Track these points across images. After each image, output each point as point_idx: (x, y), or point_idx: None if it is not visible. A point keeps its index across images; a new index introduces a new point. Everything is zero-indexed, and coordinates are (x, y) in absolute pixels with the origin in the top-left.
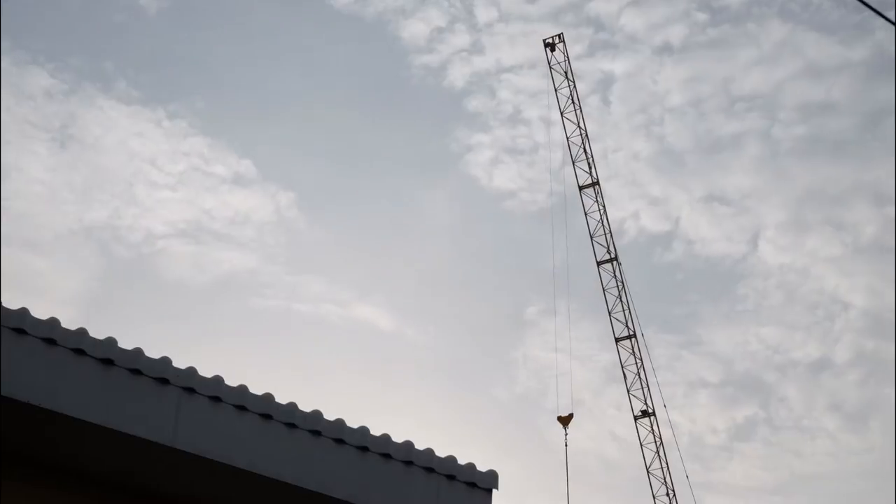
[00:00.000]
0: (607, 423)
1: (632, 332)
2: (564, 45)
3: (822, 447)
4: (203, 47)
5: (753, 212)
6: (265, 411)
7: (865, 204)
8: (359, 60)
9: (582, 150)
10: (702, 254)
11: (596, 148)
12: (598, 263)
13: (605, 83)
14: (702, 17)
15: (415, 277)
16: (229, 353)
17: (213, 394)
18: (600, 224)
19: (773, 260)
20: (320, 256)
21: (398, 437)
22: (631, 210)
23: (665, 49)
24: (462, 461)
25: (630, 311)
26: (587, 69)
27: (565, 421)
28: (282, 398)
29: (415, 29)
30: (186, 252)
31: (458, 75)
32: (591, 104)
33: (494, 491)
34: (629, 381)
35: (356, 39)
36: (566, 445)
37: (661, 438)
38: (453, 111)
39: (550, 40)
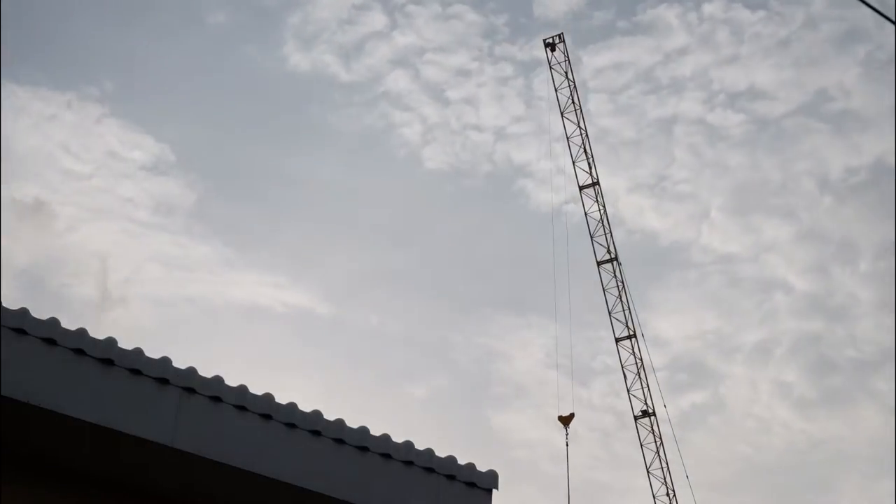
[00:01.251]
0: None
1: (632, 333)
2: (564, 45)
3: (771, 434)
4: (112, 31)
5: (696, 198)
6: (265, 411)
7: (806, 189)
8: None
9: (582, 150)
10: (642, 240)
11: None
12: (598, 263)
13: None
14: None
15: (350, 267)
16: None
17: (213, 394)
18: (600, 224)
19: (716, 246)
20: (253, 242)
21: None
22: (572, 193)
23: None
24: (462, 461)
25: (630, 311)
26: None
27: (566, 420)
28: (280, 399)
29: None
30: (111, 239)
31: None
32: (516, 86)
33: (494, 491)
34: (629, 381)
35: None
36: (567, 445)
37: (660, 438)
38: (378, 92)
39: (550, 40)
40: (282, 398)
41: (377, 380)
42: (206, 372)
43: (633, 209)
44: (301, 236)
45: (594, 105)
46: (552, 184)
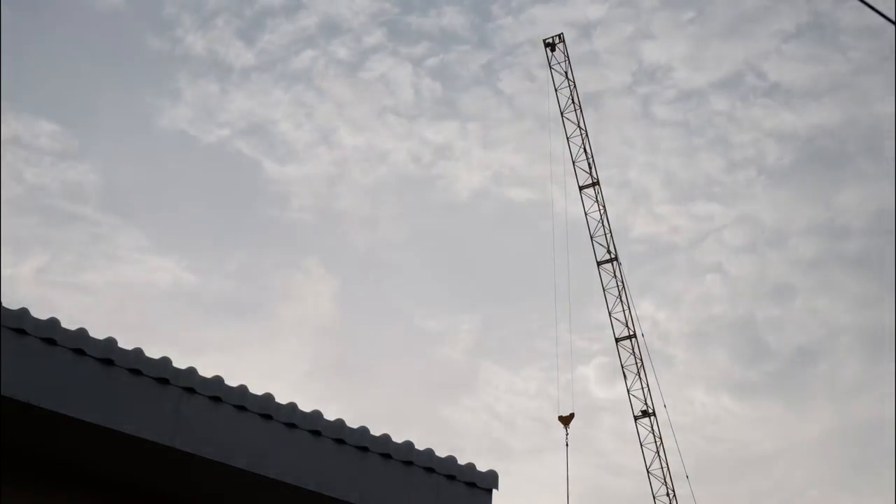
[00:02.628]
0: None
1: (632, 332)
2: (564, 45)
3: (715, 422)
4: None
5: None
6: (265, 411)
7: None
8: None
9: (582, 150)
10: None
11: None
12: (598, 263)
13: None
14: None
15: None
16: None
17: (213, 394)
18: (600, 224)
19: (649, 230)
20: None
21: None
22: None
23: None
24: (462, 461)
25: (630, 311)
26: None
27: (566, 420)
28: (281, 399)
29: None
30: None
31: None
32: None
33: (494, 491)
34: (629, 381)
35: None
36: (567, 445)
37: (660, 438)
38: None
39: (550, 40)
40: (282, 398)
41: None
42: (206, 372)
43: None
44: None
45: (507, 85)
46: (552, 185)
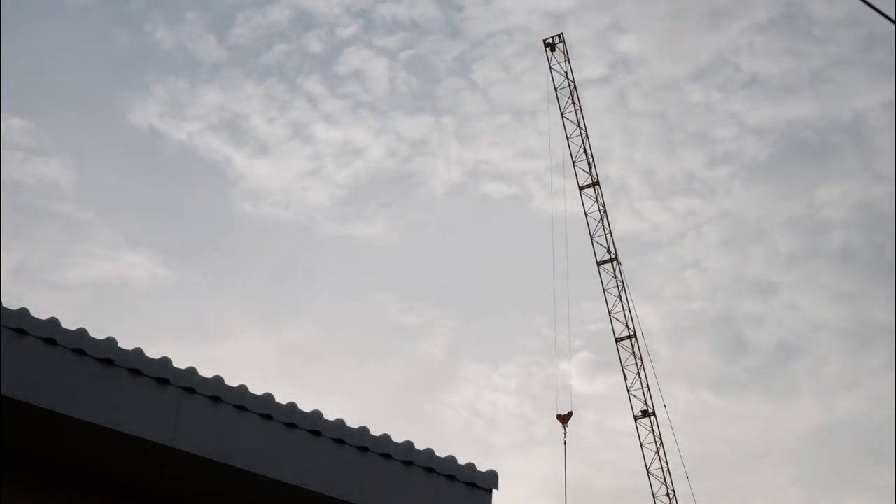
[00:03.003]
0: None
1: (632, 332)
2: (564, 45)
3: (699, 419)
4: None
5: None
6: (265, 411)
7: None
8: None
9: (582, 150)
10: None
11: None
12: (598, 263)
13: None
14: None
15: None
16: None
17: (213, 394)
18: (600, 224)
19: (630, 226)
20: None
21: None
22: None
23: None
24: (462, 461)
25: (630, 311)
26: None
27: (564, 419)
28: (280, 399)
29: None
30: None
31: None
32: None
33: (494, 491)
34: (629, 381)
35: None
36: (565, 444)
37: (660, 438)
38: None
39: (550, 40)
40: (281, 398)
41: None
42: (206, 372)
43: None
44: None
45: (481, 77)
46: (552, 185)
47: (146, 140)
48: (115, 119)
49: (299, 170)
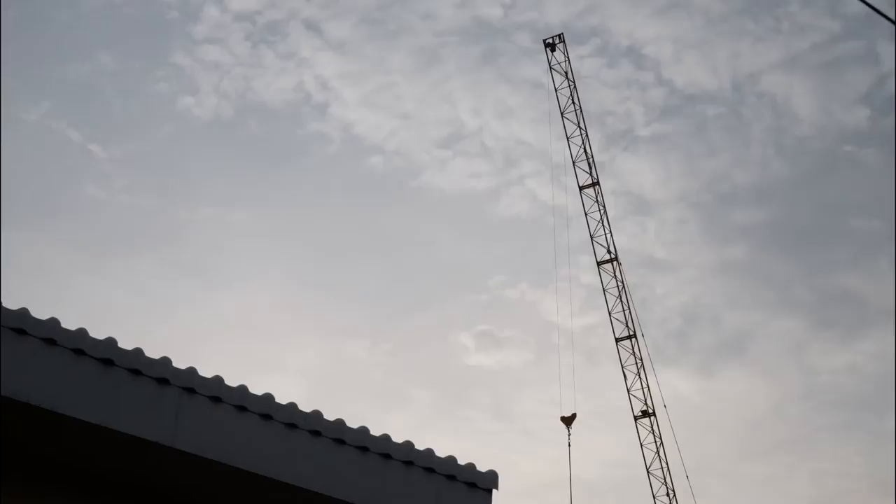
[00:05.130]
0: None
1: (632, 332)
2: (564, 45)
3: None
4: None
5: None
6: (265, 411)
7: None
8: None
9: (582, 150)
10: None
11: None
12: (598, 264)
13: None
14: None
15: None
16: None
17: (213, 394)
18: (600, 224)
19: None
20: None
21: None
22: None
23: None
24: (462, 461)
25: (630, 311)
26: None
27: (568, 421)
28: (280, 399)
29: None
30: None
31: None
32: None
33: (494, 491)
34: (629, 381)
35: None
36: (569, 446)
37: (661, 438)
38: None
39: (551, 40)
40: (282, 398)
41: None
42: (206, 372)
43: None
44: None
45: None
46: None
47: None
48: None
49: None
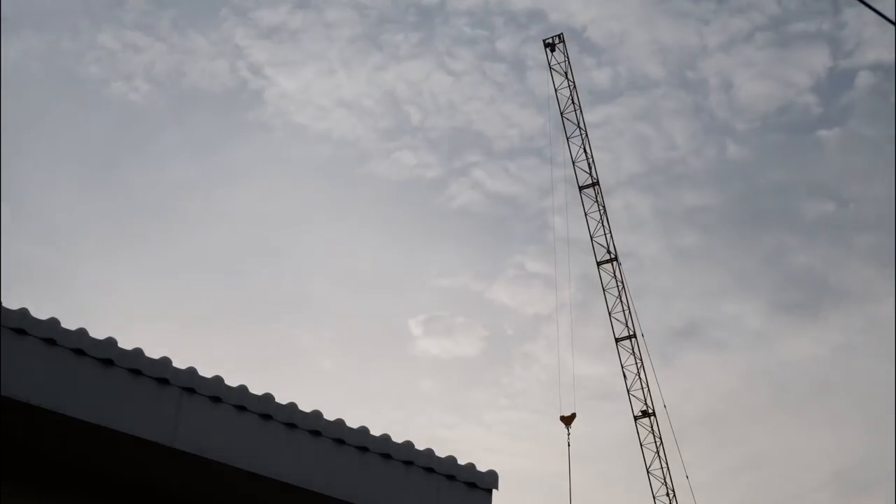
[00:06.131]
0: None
1: (632, 333)
2: (564, 45)
3: None
4: None
5: None
6: (265, 411)
7: None
8: None
9: (582, 150)
10: None
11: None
12: (598, 264)
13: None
14: None
15: None
16: None
17: (213, 394)
18: (600, 224)
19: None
20: None
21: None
22: None
23: None
24: (462, 461)
25: (630, 311)
26: None
27: (568, 420)
28: (280, 399)
29: None
30: None
31: None
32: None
33: (494, 491)
34: (629, 381)
35: None
36: (569, 445)
37: (661, 439)
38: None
39: (550, 41)
40: (281, 398)
41: None
42: (206, 372)
43: None
44: None
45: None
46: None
47: None
48: None
49: None
